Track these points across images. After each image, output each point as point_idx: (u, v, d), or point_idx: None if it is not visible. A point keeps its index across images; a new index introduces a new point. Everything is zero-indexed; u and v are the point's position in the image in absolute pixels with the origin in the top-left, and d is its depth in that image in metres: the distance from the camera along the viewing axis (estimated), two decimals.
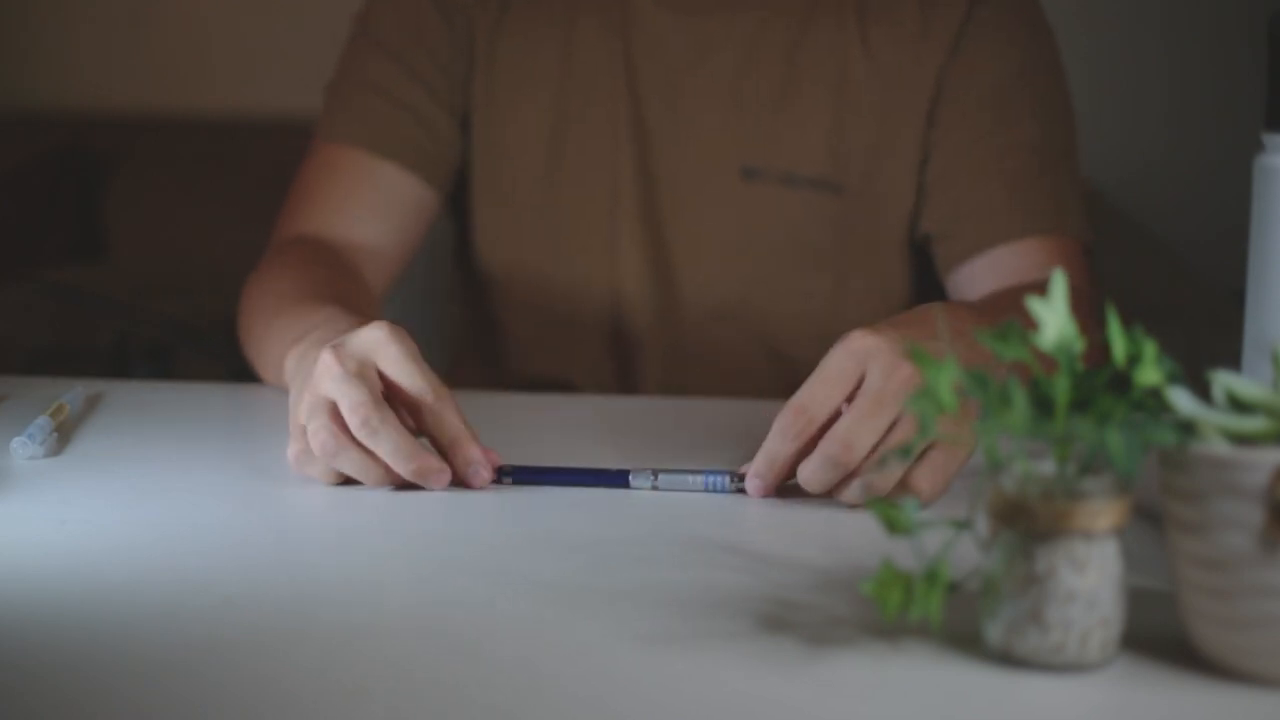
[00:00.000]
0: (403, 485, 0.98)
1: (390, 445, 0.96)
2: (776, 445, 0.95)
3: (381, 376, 0.98)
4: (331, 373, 0.96)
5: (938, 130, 1.36)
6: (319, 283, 1.23)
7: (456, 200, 1.45)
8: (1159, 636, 0.74)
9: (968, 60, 1.36)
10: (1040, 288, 1.26)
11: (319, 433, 0.96)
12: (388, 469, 0.97)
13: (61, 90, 2.80)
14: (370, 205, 1.37)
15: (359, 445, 0.96)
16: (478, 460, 0.98)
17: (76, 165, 2.67)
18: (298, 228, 1.36)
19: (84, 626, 0.77)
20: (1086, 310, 1.26)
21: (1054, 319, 0.72)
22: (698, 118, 1.39)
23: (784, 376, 1.38)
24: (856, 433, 0.92)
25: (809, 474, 0.94)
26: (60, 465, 1.03)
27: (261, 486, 0.99)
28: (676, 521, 0.93)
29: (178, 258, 2.52)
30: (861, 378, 0.93)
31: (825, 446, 0.93)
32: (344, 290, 1.23)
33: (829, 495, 0.95)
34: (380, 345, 0.98)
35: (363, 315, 1.08)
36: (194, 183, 2.61)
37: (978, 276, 1.33)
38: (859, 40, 1.37)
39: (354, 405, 0.95)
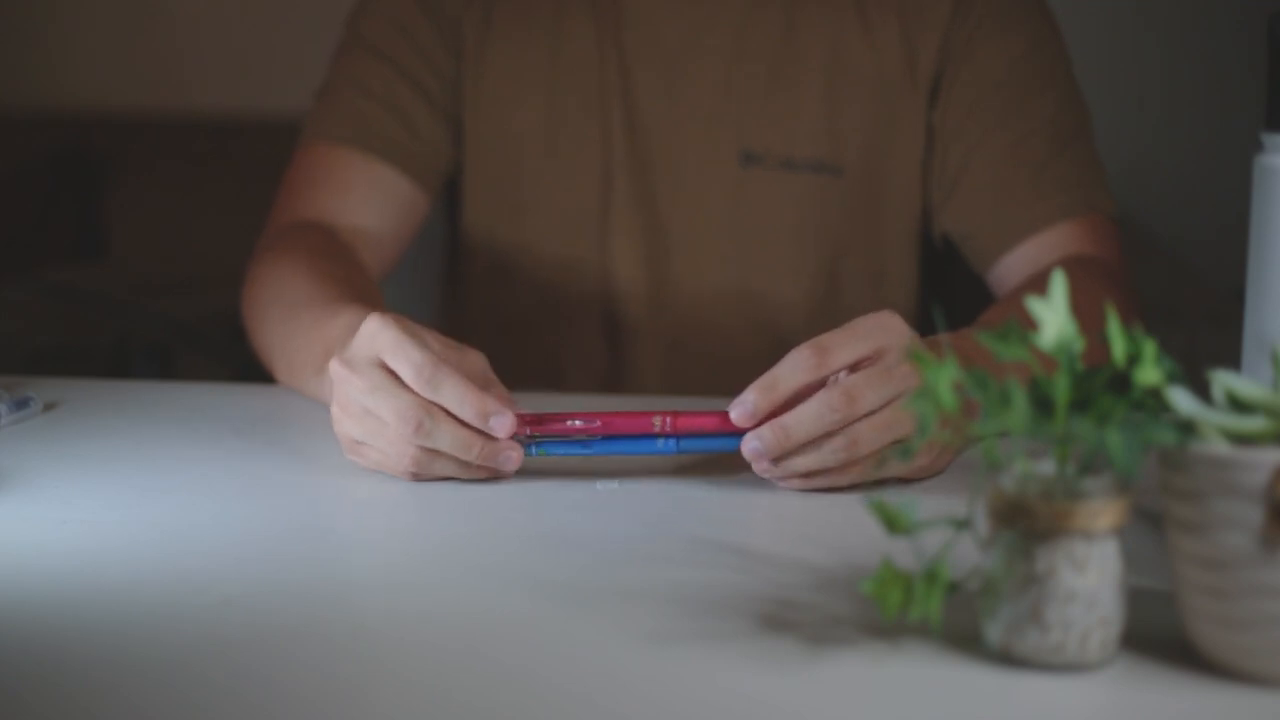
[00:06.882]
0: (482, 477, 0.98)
1: (456, 394, 0.95)
2: (787, 375, 0.94)
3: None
4: (355, 387, 0.96)
5: (950, 120, 1.35)
6: (331, 277, 1.22)
7: (451, 195, 1.44)
8: (1159, 636, 0.74)
9: (969, 41, 1.35)
10: (1080, 263, 1.26)
11: (406, 424, 0.94)
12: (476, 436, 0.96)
13: (61, 90, 2.80)
14: (364, 197, 1.36)
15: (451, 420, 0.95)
16: (493, 410, 0.95)
17: (76, 165, 2.68)
18: (293, 217, 1.36)
19: (84, 626, 0.77)
20: (1125, 284, 1.27)
21: (1054, 319, 0.72)
22: (693, 103, 1.38)
23: None
24: (863, 390, 0.93)
25: (802, 415, 0.93)
26: (60, 465, 1.03)
27: (262, 486, 0.99)
28: (677, 521, 0.93)
29: (178, 258, 2.52)
30: (881, 353, 0.94)
31: (828, 393, 0.93)
32: (350, 274, 1.23)
33: (809, 473, 0.95)
34: (374, 338, 0.97)
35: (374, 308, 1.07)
36: (194, 183, 2.62)
37: (1016, 270, 1.32)
38: (854, 18, 1.36)
39: (402, 411, 0.95)
